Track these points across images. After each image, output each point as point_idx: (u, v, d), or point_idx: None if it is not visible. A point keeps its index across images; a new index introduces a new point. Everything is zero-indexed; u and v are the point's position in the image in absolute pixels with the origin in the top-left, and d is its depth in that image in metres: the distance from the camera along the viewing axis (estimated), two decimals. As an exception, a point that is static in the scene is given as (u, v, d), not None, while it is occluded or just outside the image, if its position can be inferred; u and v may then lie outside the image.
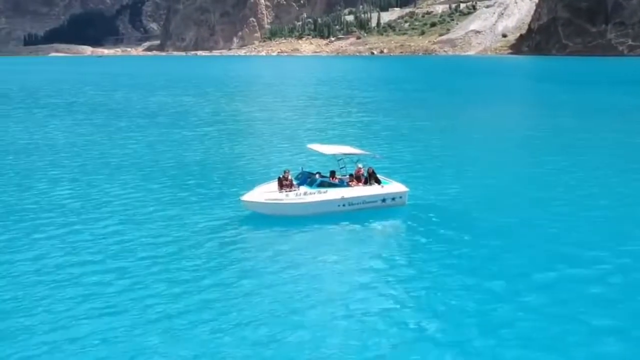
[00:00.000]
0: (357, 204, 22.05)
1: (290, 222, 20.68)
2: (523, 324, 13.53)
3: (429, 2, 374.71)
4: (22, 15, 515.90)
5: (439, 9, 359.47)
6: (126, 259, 17.45)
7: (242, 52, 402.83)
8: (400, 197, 22.87)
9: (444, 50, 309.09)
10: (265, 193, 21.46)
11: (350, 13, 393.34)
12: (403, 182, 23.82)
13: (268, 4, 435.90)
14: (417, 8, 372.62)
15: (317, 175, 22.61)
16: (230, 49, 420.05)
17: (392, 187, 22.90)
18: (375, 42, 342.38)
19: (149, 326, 13.38)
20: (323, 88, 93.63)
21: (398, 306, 14.57)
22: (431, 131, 44.08)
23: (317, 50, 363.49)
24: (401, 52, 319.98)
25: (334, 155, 23.71)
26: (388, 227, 21.13)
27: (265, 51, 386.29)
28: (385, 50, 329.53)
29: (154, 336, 12.96)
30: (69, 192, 25.47)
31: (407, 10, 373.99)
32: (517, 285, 15.59)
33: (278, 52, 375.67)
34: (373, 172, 23.29)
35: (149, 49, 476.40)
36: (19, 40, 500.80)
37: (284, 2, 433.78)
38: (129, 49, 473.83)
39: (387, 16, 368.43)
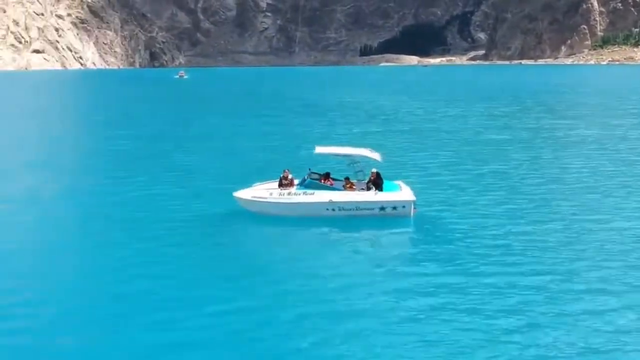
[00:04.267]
0: (349, 209, 21.16)
1: (273, 222, 20.83)
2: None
3: None
4: (360, 28, 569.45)
5: None
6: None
7: (568, 60, 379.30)
8: (404, 207, 21.17)
9: None
10: (255, 190, 22.06)
11: None
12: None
13: (603, 10, 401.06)
14: None
15: (318, 178, 22.36)
16: (556, 58, 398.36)
17: (392, 194, 21.42)
18: None
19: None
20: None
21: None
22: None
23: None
24: None
25: (346, 156, 23.03)
26: (369, 238, 19.24)
27: (594, 60, 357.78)
28: None
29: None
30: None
31: None
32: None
33: (608, 61, 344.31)
34: (377, 176, 22.09)
35: (473, 58, 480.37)
36: (356, 51, 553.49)
37: (621, 7, 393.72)
38: (453, 59, 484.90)
39: None
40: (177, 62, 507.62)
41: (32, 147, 42.08)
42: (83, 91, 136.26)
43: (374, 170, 22.18)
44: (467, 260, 16.85)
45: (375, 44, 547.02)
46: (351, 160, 22.77)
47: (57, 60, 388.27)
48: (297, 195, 21.23)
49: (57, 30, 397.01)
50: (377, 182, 21.83)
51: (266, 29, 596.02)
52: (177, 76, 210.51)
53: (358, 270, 16.33)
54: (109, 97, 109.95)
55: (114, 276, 16.04)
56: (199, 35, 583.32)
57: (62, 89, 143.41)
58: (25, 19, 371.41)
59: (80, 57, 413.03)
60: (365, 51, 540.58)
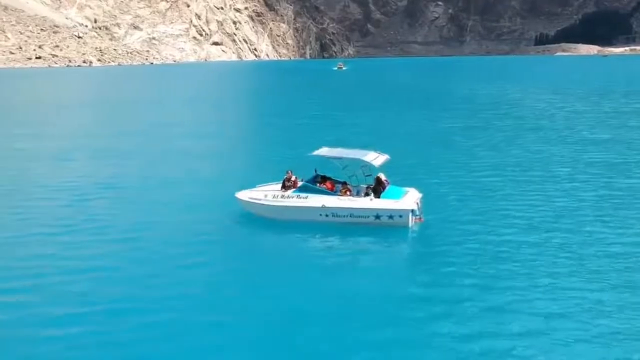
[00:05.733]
0: (344, 216, 20.12)
1: (265, 225, 20.64)
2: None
3: None
4: (536, 16, 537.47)
5: None
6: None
7: None
8: (400, 217, 19.74)
9: None
10: (252, 191, 21.71)
11: None
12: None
13: None
14: None
15: (318, 181, 21.51)
16: None
17: (388, 202, 19.97)
18: None
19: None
20: None
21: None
22: None
23: None
24: None
25: (339, 159, 21.79)
26: (359, 249, 18.24)
27: None
28: None
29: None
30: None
31: None
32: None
33: None
34: (377, 181, 20.73)
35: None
36: (530, 40, 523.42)
37: None
38: (638, 48, 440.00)
39: None
40: (346, 53, 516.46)
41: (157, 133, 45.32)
42: (240, 80, 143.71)
43: (380, 175, 20.94)
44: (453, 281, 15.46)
45: (552, 33, 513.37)
46: (343, 163, 21.68)
47: (233, 52, 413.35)
48: (290, 199, 20.66)
49: (234, 23, 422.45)
50: (376, 188, 20.58)
51: (437, 18, 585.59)
52: (336, 68, 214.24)
53: (333, 289, 15.33)
54: (259, 87, 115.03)
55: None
56: (369, 26, 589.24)
57: (229, 78, 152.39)
58: (207, 13, 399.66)
59: (255, 49, 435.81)
60: (541, 40, 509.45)
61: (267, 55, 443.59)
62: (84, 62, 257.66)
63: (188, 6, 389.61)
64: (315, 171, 21.99)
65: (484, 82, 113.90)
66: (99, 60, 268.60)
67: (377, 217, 19.83)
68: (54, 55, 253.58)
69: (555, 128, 44.48)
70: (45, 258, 17.54)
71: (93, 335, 12.80)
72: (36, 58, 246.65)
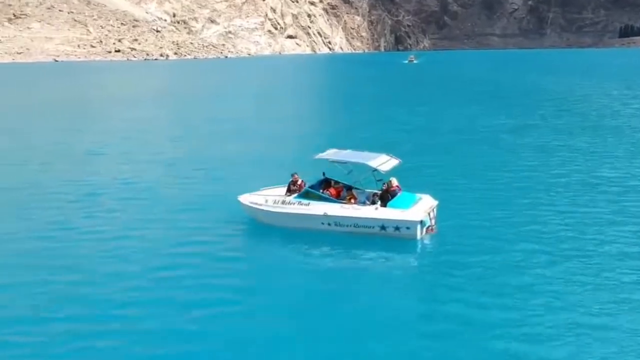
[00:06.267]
0: (347, 225, 18.43)
1: (264, 231, 19.27)
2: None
3: None
4: (620, 7, 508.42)
5: None
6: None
7: None
8: (408, 228, 17.89)
9: None
10: (254, 195, 20.33)
11: None
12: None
13: None
14: None
15: (322, 186, 19.93)
16: None
17: (395, 212, 18.13)
18: None
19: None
20: None
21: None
22: None
23: None
24: None
25: (343, 163, 20.05)
26: (360, 263, 16.71)
27: None
28: None
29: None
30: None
31: None
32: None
33: None
34: (387, 187, 18.96)
35: None
36: (614, 32, 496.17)
37: None
38: None
39: None
40: (421, 46, 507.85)
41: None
42: (304, 74, 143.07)
43: (391, 180, 19.18)
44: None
45: (637, 24, 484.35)
46: (347, 168, 19.99)
47: (307, 45, 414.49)
48: (290, 205, 19.17)
49: (309, 16, 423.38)
50: (383, 196, 18.83)
51: (516, 9, 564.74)
52: (407, 61, 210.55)
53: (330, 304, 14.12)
54: (320, 80, 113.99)
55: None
56: (445, 18, 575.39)
57: (293, 72, 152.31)
58: (282, 7, 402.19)
59: (329, 42, 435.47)
60: (625, 32, 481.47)
61: (341, 48, 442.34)
62: (161, 55, 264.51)
63: (264, 0, 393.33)
64: (324, 175, 20.45)
65: (558, 76, 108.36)
66: (175, 53, 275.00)
67: (383, 227, 18.08)
68: (132, 49, 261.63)
69: (617, 128, 40.77)
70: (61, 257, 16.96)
71: (87, 338, 12.44)
72: (115, 51, 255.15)
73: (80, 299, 14.32)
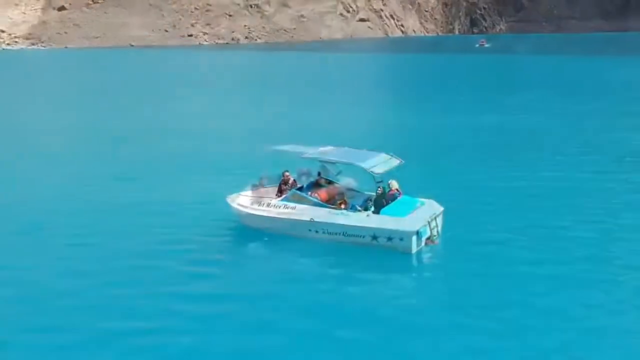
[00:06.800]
0: (336, 234, 16.76)
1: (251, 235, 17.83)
2: None
3: None
4: None
5: None
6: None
7: None
8: (401, 240, 16.00)
9: None
10: (241, 196, 18.82)
11: None
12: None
13: None
14: None
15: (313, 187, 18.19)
16: None
17: (388, 220, 16.19)
18: None
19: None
20: None
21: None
22: None
23: None
24: None
25: (331, 163, 18.26)
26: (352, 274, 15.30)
27: None
28: None
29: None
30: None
31: None
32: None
33: None
34: (383, 191, 17.01)
35: None
36: None
37: None
38: None
39: None
40: (497, 29, 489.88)
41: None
42: (358, 57, 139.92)
43: (390, 182, 17.25)
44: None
45: None
46: (336, 169, 18.12)
47: (379, 29, 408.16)
48: (275, 209, 17.68)
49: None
50: (377, 201, 16.93)
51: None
52: (478, 44, 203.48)
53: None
54: (371, 67, 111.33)
55: None
56: (523, 0, 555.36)
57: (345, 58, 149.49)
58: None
59: (402, 25, 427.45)
60: None
61: (414, 31, 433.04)
62: (232, 39, 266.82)
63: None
64: (319, 174, 18.73)
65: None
66: (246, 37, 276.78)
67: (374, 237, 16.25)
68: (204, 33, 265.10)
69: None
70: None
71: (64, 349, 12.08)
72: (188, 36, 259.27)
73: (59, 305, 13.98)
